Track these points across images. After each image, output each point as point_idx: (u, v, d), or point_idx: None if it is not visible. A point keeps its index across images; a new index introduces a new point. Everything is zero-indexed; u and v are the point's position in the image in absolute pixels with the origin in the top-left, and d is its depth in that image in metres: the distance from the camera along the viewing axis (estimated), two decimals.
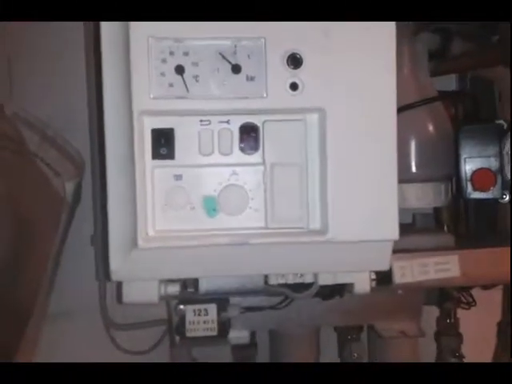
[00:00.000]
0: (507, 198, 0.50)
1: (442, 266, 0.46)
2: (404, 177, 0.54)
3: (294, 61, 0.36)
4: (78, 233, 0.64)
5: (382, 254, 0.38)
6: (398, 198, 0.54)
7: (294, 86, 0.36)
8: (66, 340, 0.69)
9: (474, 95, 0.60)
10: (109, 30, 0.36)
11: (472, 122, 0.57)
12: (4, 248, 0.60)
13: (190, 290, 0.44)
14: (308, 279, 0.43)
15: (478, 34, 0.60)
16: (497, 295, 0.70)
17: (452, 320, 0.67)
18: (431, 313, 0.67)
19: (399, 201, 0.54)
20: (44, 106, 0.64)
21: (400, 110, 0.52)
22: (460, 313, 0.66)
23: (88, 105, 0.56)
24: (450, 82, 0.68)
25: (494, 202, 0.51)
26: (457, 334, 0.67)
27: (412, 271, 0.46)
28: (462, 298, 0.58)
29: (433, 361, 0.68)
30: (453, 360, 0.66)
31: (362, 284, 0.42)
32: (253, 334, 0.60)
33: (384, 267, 0.39)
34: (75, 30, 0.61)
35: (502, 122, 0.51)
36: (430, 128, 0.54)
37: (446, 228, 0.62)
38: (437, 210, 0.64)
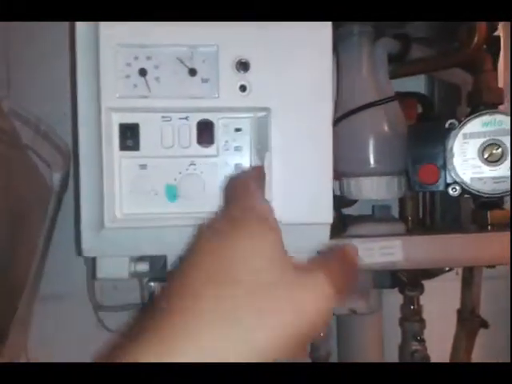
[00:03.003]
0: (457, 191, 0.54)
1: (386, 250, 0.51)
2: (361, 170, 0.59)
3: (243, 65, 0.41)
4: (69, 219, 0.69)
5: (320, 236, 0.43)
6: (356, 190, 0.59)
7: (243, 88, 0.42)
8: (56, 321, 0.74)
9: (427, 97, 0.64)
10: (82, 35, 0.41)
11: (424, 121, 0.62)
12: (1, 229, 0.66)
13: (159, 269, 0.49)
14: None
15: (437, 41, 0.64)
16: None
17: (415, 307, 0.72)
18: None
19: (356, 193, 0.60)
20: (38, 103, 0.69)
21: (359, 109, 0.58)
22: (423, 300, 0.71)
23: (71, 104, 0.62)
24: (419, 86, 0.73)
25: (445, 194, 0.55)
26: (420, 319, 0.72)
27: (359, 254, 0.50)
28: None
29: (397, 344, 0.73)
30: (415, 343, 0.71)
31: None
32: None
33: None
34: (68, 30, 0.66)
35: (453, 121, 0.55)
36: (386, 126, 0.58)
37: (409, 219, 0.67)
38: (401, 202, 0.69)
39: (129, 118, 0.42)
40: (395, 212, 0.68)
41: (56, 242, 0.69)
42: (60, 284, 0.72)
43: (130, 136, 0.42)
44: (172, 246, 0.44)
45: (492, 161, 0.52)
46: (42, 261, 0.67)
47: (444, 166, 0.53)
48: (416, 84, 0.72)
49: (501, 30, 0.61)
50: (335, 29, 0.58)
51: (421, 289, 0.70)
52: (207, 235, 0.32)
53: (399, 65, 0.62)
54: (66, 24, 0.64)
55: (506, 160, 0.51)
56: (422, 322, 0.72)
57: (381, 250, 0.51)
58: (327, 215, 0.42)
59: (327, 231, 0.43)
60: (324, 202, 0.42)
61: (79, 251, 0.43)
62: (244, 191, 0.35)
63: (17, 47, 0.70)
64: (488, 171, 0.51)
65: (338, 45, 0.60)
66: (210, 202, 0.43)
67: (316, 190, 0.42)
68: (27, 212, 0.64)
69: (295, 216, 0.42)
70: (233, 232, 0.31)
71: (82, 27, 0.41)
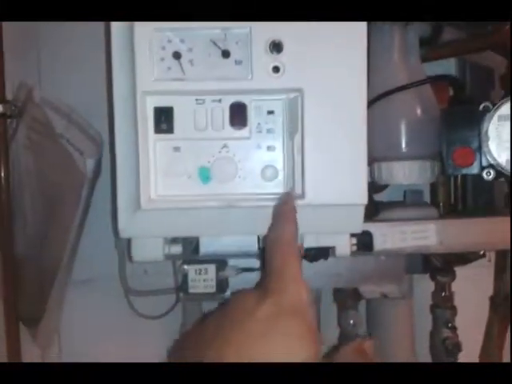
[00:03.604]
0: (491, 175, 0.54)
1: (420, 234, 0.50)
2: (393, 155, 0.59)
3: (276, 46, 0.41)
4: (101, 205, 0.70)
5: (354, 217, 0.43)
6: (387, 174, 0.59)
7: (276, 69, 0.42)
8: (88, 305, 0.76)
9: (459, 79, 0.63)
10: (117, 23, 0.42)
11: (456, 104, 0.61)
12: (37, 216, 0.68)
13: (191, 252, 0.50)
14: None
15: (468, 24, 0.63)
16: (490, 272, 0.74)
17: (447, 293, 0.71)
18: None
19: (387, 178, 0.59)
20: (70, 92, 0.71)
21: (390, 92, 0.58)
22: (454, 287, 0.71)
23: (107, 91, 0.63)
24: (451, 69, 0.72)
25: (478, 177, 0.55)
26: (451, 306, 0.71)
27: (392, 238, 0.50)
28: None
29: (428, 331, 0.72)
30: (446, 330, 0.71)
31: (343, 247, 0.47)
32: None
33: (357, 230, 0.44)
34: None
35: (487, 104, 0.54)
36: (418, 110, 0.58)
37: (441, 205, 0.66)
38: (432, 188, 0.68)
39: (163, 102, 0.43)
40: (427, 198, 0.67)
41: (88, 228, 0.70)
42: (92, 269, 0.73)
43: (164, 119, 0.43)
44: (205, 228, 0.44)
45: None
46: (74, 246, 0.68)
47: (479, 149, 0.52)
48: (447, 68, 0.71)
49: None
50: None
51: (452, 275, 0.69)
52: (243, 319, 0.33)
53: (431, 48, 0.61)
54: None
55: None
56: (453, 308, 0.71)
57: (413, 234, 0.50)
58: (362, 196, 0.42)
59: (361, 212, 0.43)
60: (358, 182, 0.42)
61: (116, 232, 0.44)
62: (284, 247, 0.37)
63: (47, 35, 0.71)
64: None
65: (370, 29, 0.59)
66: (242, 183, 0.43)
67: (350, 170, 0.42)
68: (61, 198, 0.65)
69: (329, 197, 0.42)
70: (267, 332, 0.32)
71: None
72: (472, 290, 0.75)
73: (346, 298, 0.67)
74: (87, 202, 0.67)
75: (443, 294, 0.70)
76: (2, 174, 0.65)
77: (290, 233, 0.38)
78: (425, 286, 0.71)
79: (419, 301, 0.71)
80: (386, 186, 0.64)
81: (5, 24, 0.65)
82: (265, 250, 0.38)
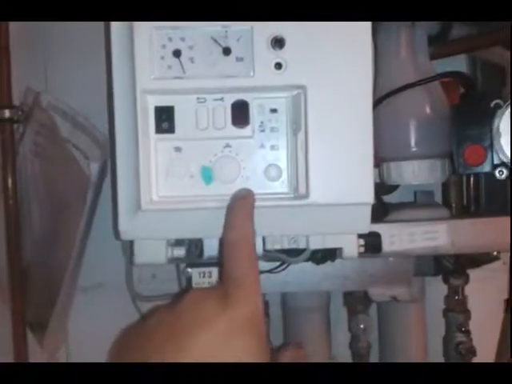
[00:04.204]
0: (504, 174, 0.52)
1: (430, 235, 0.49)
2: (402, 154, 0.57)
3: (278, 43, 0.40)
4: (107, 210, 0.69)
5: (361, 217, 0.42)
6: (396, 174, 0.58)
7: (278, 65, 0.41)
8: (95, 311, 0.75)
9: (469, 76, 0.62)
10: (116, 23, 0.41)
11: (467, 100, 0.59)
12: (44, 221, 0.67)
13: (195, 255, 0.49)
14: (301, 245, 0.47)
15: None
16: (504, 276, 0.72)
17: (460, 297, 0.69)
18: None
19: (397, 178, 0.58)
20: (76, 96, 0.70)
21: (398, 90, 0.56)
22: (468, 290, 0.69)
23: (107, 91, 0.62)
24: (461, 67, 0.70)
25: (491, 177, 0.53)
26: (464, 310, 0.69)
27: (401, 239, 0.49)
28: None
29: (441, 335, 0.70)
30: (459, 335, 0.69)
31: (350, 249, 0.46)
32: (265, 305, 0.65)
33: (364, 230, 0.43)
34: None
35: (499, 101, 0.52)
36: (427, 108, 0.56)
37: (453, 205, 0.65)
38: (444, 188, 0.66)
39: (164, 101, 0.42)
40: (438, 199, 0.66)
41: (94, 232, 0.70)
42: (99, 274, 0.73)
43: (165, 119, 0.42)
44: (208, 229, 0.43)
45: None
46: (80, 251, 0.68)
47: (491, 147, 0.51)
48: (457, 65, 0.69)
49: None
50: None
51: (466, 278, 0.67)
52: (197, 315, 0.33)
53: (440, 45, 0.60)
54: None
55: None
56: (466, 312, 0.69)
57: (424, 235, 0.49)
58: (368, 195, 0.41)
59: (368, 212, 0.42)
60: (365, 181, 0.41)
61: (117, 235, 0.43)
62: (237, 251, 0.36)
63: (54, 40, 0.71)
64: None
65: (377, 28, 0.58)
66: (245, 183, 0.42)
67: (356, 169, 0.41)
68: (67, 203, 0.65)
69: (334, 196, 0.41)
70: (222, 347, 0.32)
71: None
72: (486, 293, 0.73)
73: (356, 301, 0.66)
74: (93, 206, 0.66)
75: (456, 297, 0.69)
76: (10, 180, 0.65)
77: (249, 234, 0.37)
78: (437, 289, 0.69)
79: (432, 304, 0.69)
80: (396, 187, 0.63)
81: (11, 30, 0.65)
82: (222, 252, 0.37)
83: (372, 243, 0.48)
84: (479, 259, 0.61)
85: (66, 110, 0.68)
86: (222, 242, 0.38)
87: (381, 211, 0.56)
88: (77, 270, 0.70)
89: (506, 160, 0.50)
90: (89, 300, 0.74)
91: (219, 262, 0.40)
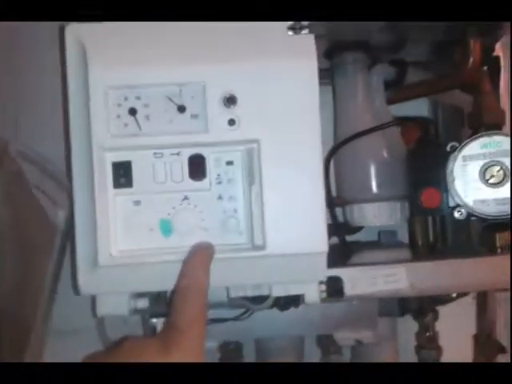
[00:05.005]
0: (463, 215, 0.53)
1: (390, 278, 0.50)
2: (363, 197, 0.59)
3: (230, 100, 0.42)
4: None
5: (317, 265, 0.43)
6: (359, 216, 0.59)
7: (231, 122, 0.42)
8: (68, 358, 0.74)
9: (425, 120, 0.64)
10: (73, 76, 0.42)
11: (425, 144, 0.61)
12: (13, 269, 0.67)
13: (159, 305, 0.49)
14: (264, 292, 0.47)
15: (434, 64, 0.64)
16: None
17: (431, 333, 0.69)
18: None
19: (360, 219, 0.59)
20: (46, 142, 0.71)
21: (355, 136, 0.58)
22: (439, 326, 0.69)
23: (65, 146, 0.63)
24: (423, 109, 0.72)
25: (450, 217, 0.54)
26: (436, 346, 0.69)
27: (362, 283, 0.50)
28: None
29: None
30: None
31: (312, 295, 0.46)
32: (239, 347, 0.65)
33: (320, 278, 0.44)
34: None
35: (454, 143, 0.54)
36: (385, 152, 0.58)
37: (420, 244, 0.66)
38: (410, 227, 0.67)
39: (121, 156, 0.43)
40: (404, 237, 0.67)
41: (64, 279, 0.70)
42: (70, 321, 0.72)
43: (122, 174, 0.43)
44: (170, 282, 0.44)
45: (494, 183, 0.51)
46: (50, 299, 0.67)
47: (446, 190, 0.52)
48: (420, 108, 0.72)
49: (499, 49, 0.60)
50: (329, 58, 0.60)
51: (435, 315, 0.68)
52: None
53: (397, 90, 0.62)
54: None
55: (507, 181, 0.50)
56: (438, 349, 0.69)
57: (385, 278, 0.50)
58: (322, 244, 0.41)
59: (324, 260, 0.43)
60: (318, 230, 0.42)
61: (76, 290, 0.43)
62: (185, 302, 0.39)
63: (24, 88, 0.72)
64: (490, 193, 0.51)
65: (334, 74, 0.60)
66: (204, 235, 0.43)
67: (309, 219, 0.42)
68: (33, 251, 0.65)
69: (289, 247, 0.42)
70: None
71: (72, 70, 0.42)
72: (457, 328, 0.73)
73: (329, 342, 0.66)
74: (61, 252, 0.66)
75: (427, 334, 0.69)
76: None
77: (201, 282, 0.39)
78: (409, 326, 0.70)
79: (405, 341, 0.70)
80: (360, 228, 0.64)
81: None
82: (174, 296, 0.38)
83: (334, 288, 0.49)
84: (442, 299, 0.62)
85: (36, 158, 0.68)
86: (173, 290, 0.39)
87: (344, 252, 0.57)
88: (47, 315, 0.69)
89: (461, 203, 0.51)
90: (60, 347, 0.73)
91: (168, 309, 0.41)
